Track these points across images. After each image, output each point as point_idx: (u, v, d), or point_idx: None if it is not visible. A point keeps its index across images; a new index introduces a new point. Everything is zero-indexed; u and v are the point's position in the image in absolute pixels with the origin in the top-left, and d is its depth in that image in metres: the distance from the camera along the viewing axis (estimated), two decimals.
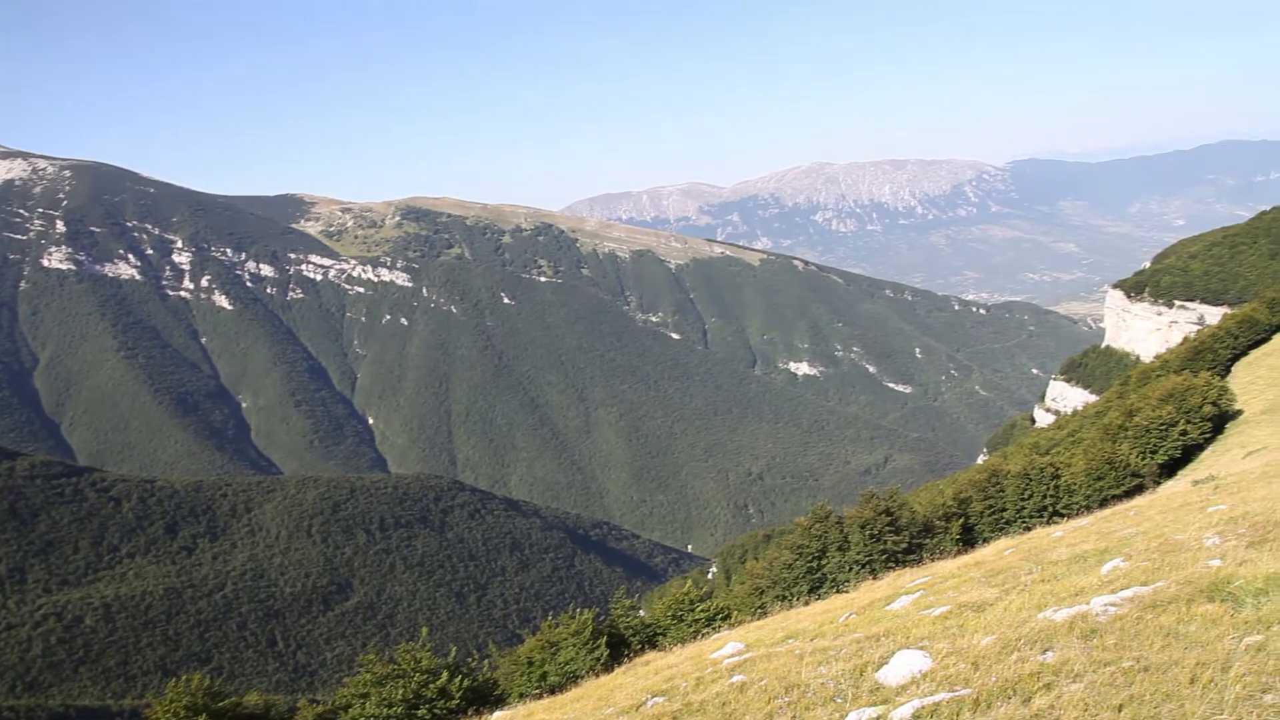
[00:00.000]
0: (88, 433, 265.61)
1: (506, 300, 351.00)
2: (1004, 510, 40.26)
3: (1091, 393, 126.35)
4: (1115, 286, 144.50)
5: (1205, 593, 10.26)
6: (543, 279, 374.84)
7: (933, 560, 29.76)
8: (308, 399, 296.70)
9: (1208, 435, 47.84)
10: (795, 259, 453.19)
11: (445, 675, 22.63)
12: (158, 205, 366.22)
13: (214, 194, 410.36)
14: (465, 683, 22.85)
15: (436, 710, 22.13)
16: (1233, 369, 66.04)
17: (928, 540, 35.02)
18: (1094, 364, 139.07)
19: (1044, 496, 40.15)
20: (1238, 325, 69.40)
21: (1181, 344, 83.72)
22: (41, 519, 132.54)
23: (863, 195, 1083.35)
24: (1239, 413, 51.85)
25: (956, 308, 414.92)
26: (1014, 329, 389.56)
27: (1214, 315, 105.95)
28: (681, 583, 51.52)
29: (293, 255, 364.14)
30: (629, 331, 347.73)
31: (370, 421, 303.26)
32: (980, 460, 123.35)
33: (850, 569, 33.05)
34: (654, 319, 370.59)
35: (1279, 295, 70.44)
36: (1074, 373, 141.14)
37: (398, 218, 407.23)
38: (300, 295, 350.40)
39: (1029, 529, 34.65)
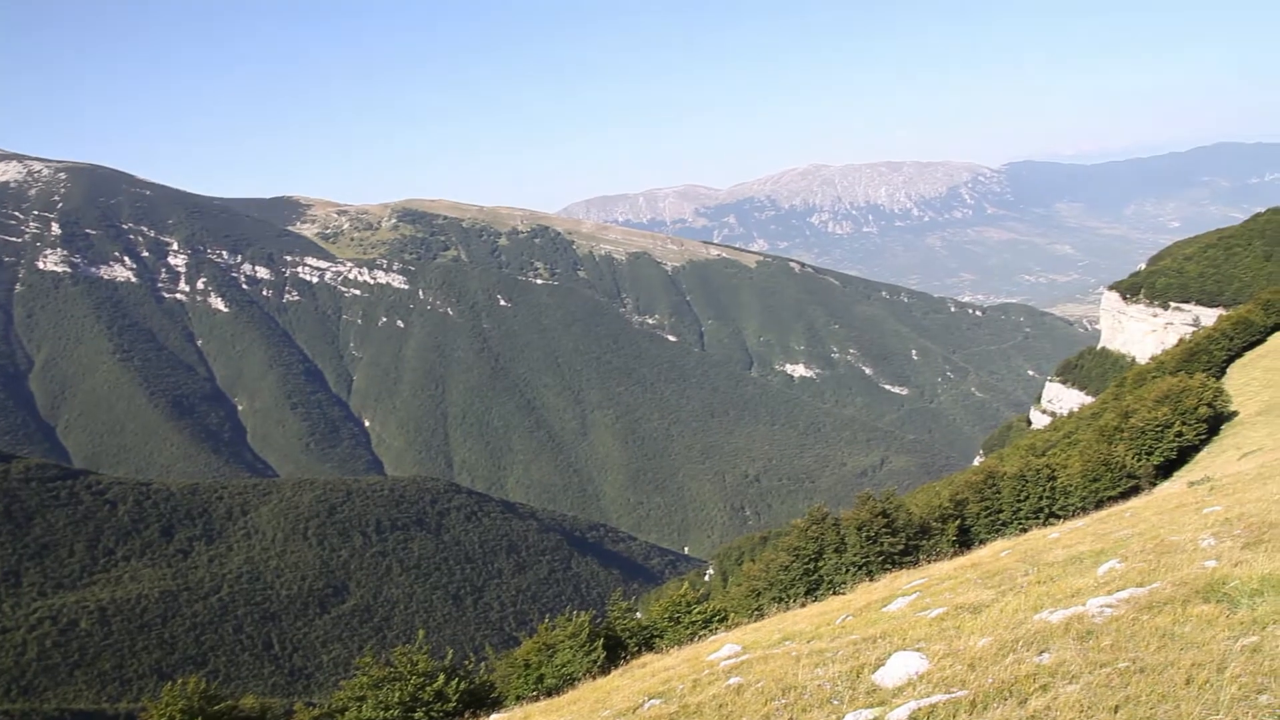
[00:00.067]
0: (83, 435, 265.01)
1: (503, 302, 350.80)
2: (1000, 512, 40.30)
3: (1087, 394, 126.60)
4: (1111, 288, 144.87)
5: (1201, 594, 10.28)
6: (539, 281, 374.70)
7: (929, 562, 29.77)
8: (304, 401, 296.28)
9: (1203, 437, 47.93)
10: (791, 261, 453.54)
11: (442, 678, 22.60)
12: (153, 207, 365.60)
13: (210, 196, 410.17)
14: (462, 685, 22.82)
15: (433, 713, 22.10)
16: (1228, 370, 66.17)
17: (924, 542, 35.05)
18: (1090, 366, 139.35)
19: (1040, 498, 40.20)
20: (1233, 327, 69.55)
21: (1177, 345, 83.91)
22: (37, 522, 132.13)
23: (859, 197, 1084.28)
24: (1234, 414, 51.95)
25: (953, 309, 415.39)
26: (1010, 331, 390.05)
27: (1209, 317, 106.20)
28: (678, 585, 51.53)
29: (289, 257, 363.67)
30: (625, 334, 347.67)
31: (366, 424, 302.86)
32: (976, 462, 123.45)
33: (847, 571, 33.06)
34: (650, 321, 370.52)
35: (1274, 297, 70.61)
36: (1070, 374, 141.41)
37: (394, 220, 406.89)
38: (296, 298, 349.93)
39: (1025, 530, 34.69)
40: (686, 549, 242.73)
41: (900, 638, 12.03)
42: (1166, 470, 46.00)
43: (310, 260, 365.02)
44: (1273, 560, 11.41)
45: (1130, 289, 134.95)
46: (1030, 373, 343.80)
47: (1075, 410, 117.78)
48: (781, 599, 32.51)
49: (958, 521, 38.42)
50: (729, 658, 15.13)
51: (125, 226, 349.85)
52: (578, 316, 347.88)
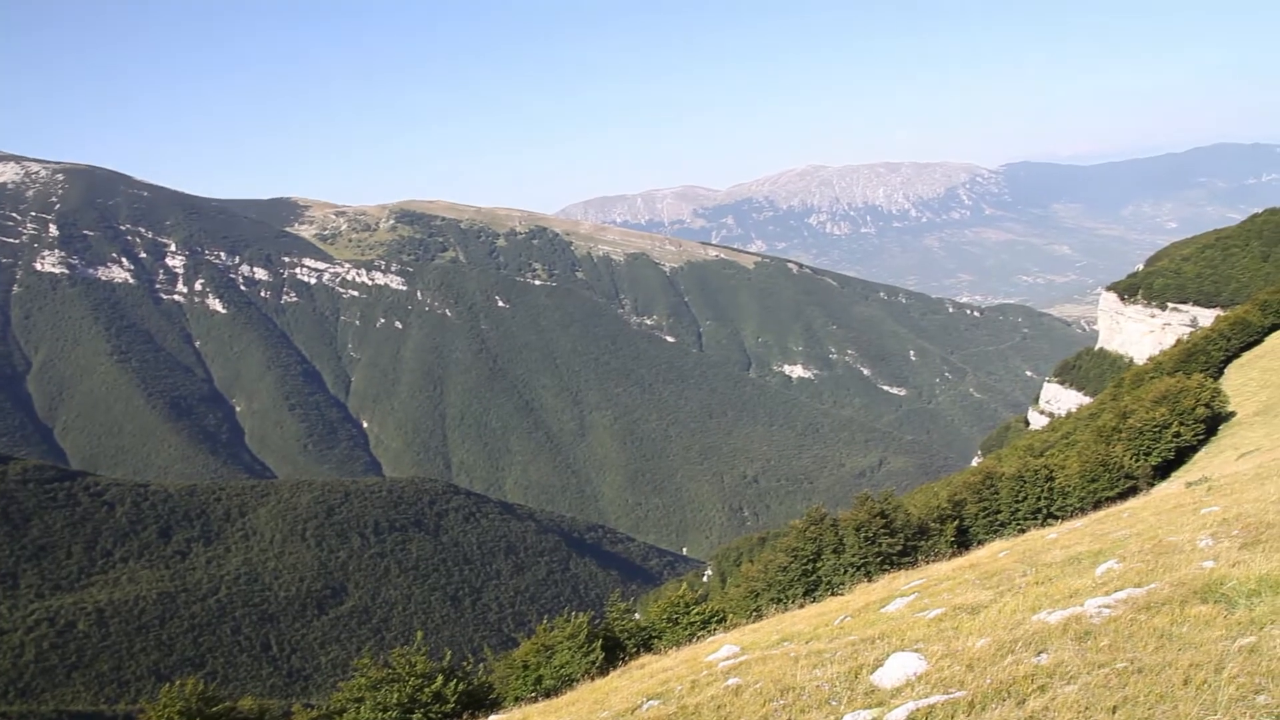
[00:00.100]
0: (81, 437, 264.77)
1: (501, 303, 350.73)
2: (998, 512, 40.33)
3: (1085, 395, 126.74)
4: (1109, 289, 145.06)
5: (1199, 594, 10.29)
6: (537, 282, 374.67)
7: (927, 562, 29.78)
8: (302, 403, 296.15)
9: (1201, 437, 47.98)
10: (790, 262, 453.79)
11: (440, 679, 22.59)
12: (151, 209, 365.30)
13: (207, 197, 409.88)
14: (460, 686, 22.81)
15: (431, 714, 22.08)
16: (1225, 371, 66.24)
17: (922, 542, 35.06)
18: (1087, 366, 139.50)
19: (1038, 499, 40.23)
20: (1230, 327, 69.62)
21: (1174, 346, 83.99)
22: (34, 524, 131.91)
23: (857, 198, 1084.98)
24: (1232, 414, 52.00)
25: (950, 310, 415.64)
26: (1008, 331, 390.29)
27: (1207, 317, 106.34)
28: (676, 586, 51.50)
29: (287, 259, 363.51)
30: (623, 334, 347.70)
31: (365, 425, 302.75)
32: (975, 463, 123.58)
33: (845, 571, 33.07)
34: (648, 322, 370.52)
35: (1271, 297, 70.68)
36: (1068, 375, 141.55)
37: (392, 221, 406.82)
38: (294, 299, 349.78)
39: (1023, 531, 34.70)
40: (685, 550, 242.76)
41: (898, 638, 12.03)
42: (1164, 471, 46.05)
43: (308, 261, 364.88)
44: (1270, 561, 11.42)
45: (1128, 290, 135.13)
46: (1028, 373, 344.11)
47: (1073, 411, 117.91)
48: (780, 600, 32.52)
49: (956, 522, 38.45)
50: (727, 659, 15.13)
51: (123, 228, 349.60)
52: (576, 317, 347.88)
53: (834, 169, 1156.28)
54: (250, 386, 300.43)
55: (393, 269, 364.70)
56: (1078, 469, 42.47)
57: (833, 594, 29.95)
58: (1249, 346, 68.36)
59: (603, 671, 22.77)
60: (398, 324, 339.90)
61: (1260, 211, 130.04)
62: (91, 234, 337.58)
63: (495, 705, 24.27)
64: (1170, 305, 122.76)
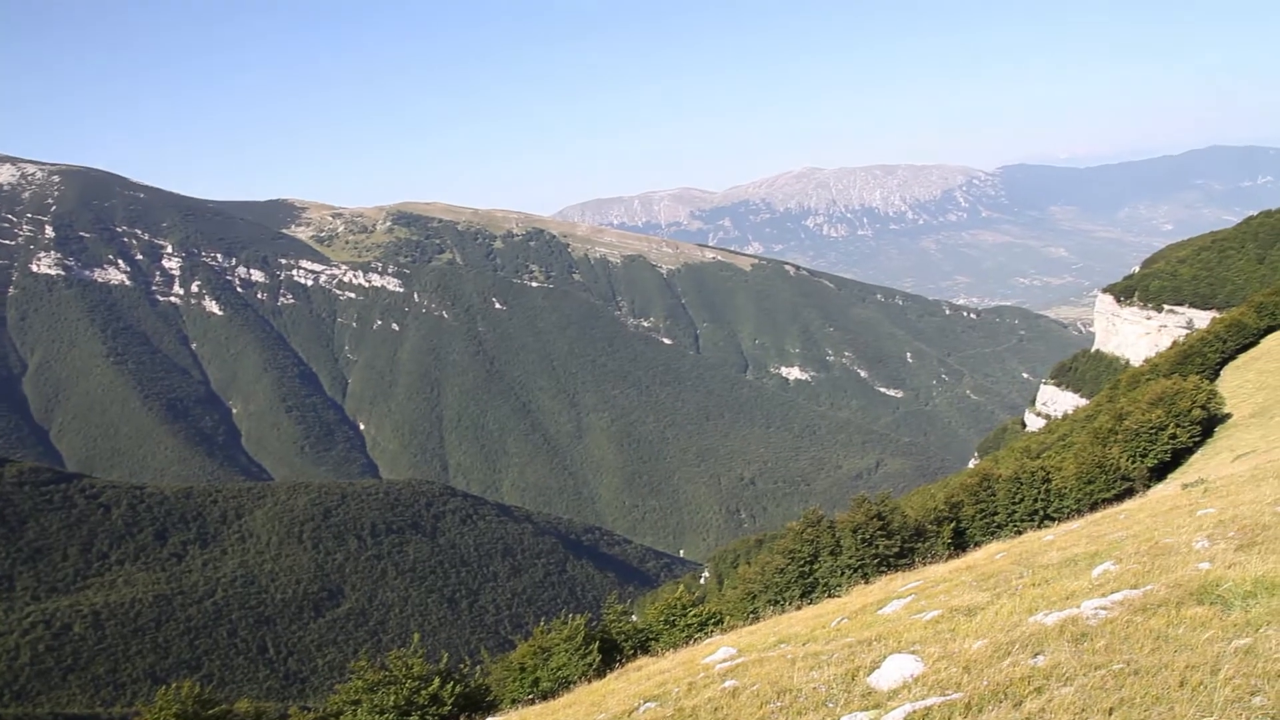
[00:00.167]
0: (77, 439, 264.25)
1: (498, 305, 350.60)
2: (995, 514, 40.35)
3: (1082, 397, 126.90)
4: (1105, 291, 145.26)
5: (1194, 596, 10.31)
6: (534, 284, 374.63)
7: (924, 564, 29.79)
8: (299, 404, 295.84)
9: (1197, 439, 48.02)
10: (786, 264, 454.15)
11: (437, 681, 22.56)
12: (147, 210, 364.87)
13: (204, 199, 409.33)
14: (457, 689, 22.78)
15: (428, 717, 22.05)
16: (1221, 373, 66.33)
17: (919, 544, 35.06)
18: (1084, 368, 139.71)
19: (1035, 500, 40.24)
20: (1226, 329, 69.74)
21: (1171, 348, 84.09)
22: (30, 526, 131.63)
23: (853, 200, 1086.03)
24: (1228, 416, 52.07)
25: (947, 312, 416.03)
26: (1004, 333, 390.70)
27: (1203, 319, 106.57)
28: (674, 588, 51.48)
29: (283, 260, 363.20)
30: (620, 337, 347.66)
31: (361, 427, 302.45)
32: (971, 464, 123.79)
33: (842, 573, 33.07)
34: (645, 324, 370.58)
35: (1267, 299, 70.81)
36: (1064, 377, 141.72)
37: (389, 223, 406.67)
38: (291, 300, 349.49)
39: (1020, 533, 34.74)
40: (682, 552, 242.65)
41: (895, 640, 12.04)
42: (1160, 472, 46.09)
43: (305, 263, 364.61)
44: (1266, 562, 11.44)
45: (1124, 292, 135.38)
46: (1025, 375, 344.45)
47: (1070, 413, 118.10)
48: (777, 602, 32.52)
49: (953, 524, 38.46)
50: (724, 661, 15.13)
51: (119, 229, 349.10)
52: (573, 319, 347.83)
53: (830, 171, 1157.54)
54: (247, 388, 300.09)
55: (389, 271, 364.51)
56: (1074, 471, 42.49)
57: (830, 596, 29.96)
58: (1245, 348, 68.48)
59: (600, 674, 22.77)
60: (394, 326, 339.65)
61: (1256, 214, 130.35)
62: (88, 236, 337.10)
63: (492, 707, 24.24)
64: (1166, 307, 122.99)
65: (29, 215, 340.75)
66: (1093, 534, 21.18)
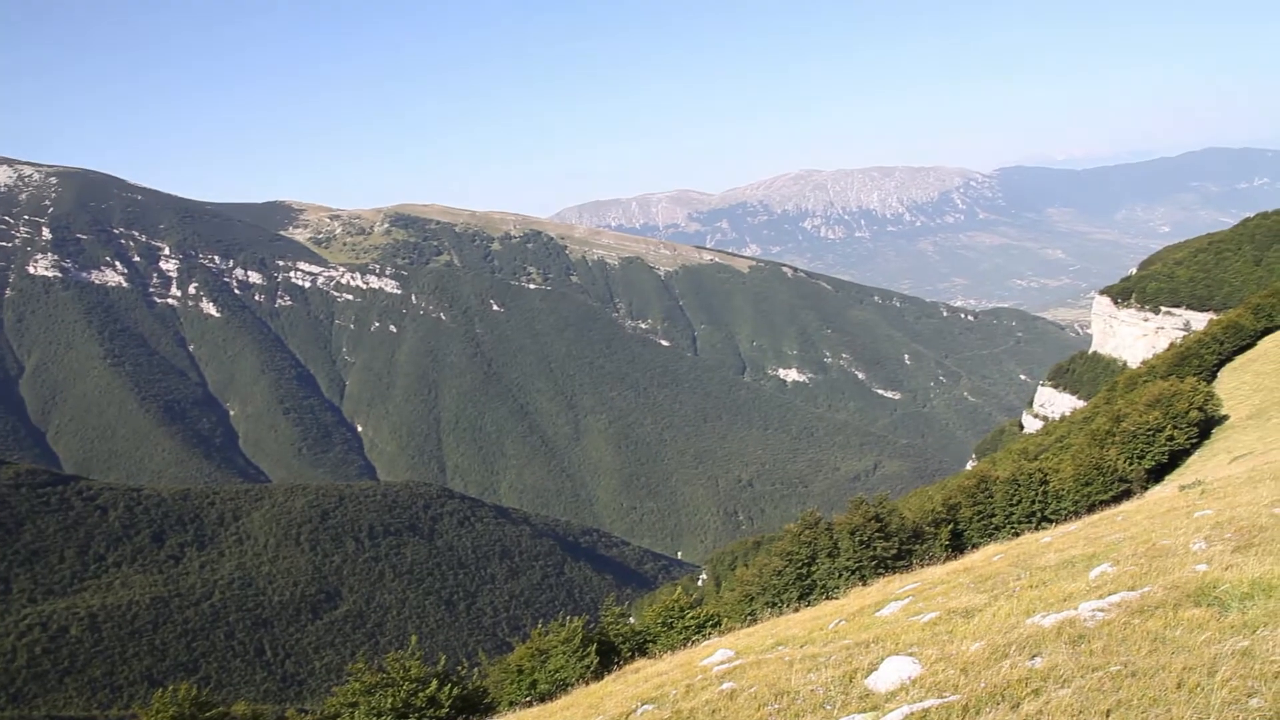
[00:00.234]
0: (74, 441, 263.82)
1: (496, 307, 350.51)
2: (993, 516, 40.35)
3: (1079, 399, 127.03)
4: (1102, 293, 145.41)
5: (1192, 597, 10.31)
6: (532, 286, 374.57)
7: (922, 566, 29.79)
8: (296, 406, 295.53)
9: (1194, 440, 48.06)
10: (784, 266, 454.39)
11: (435, 684, 22.53)
12: (145, 212, 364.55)
13: (201, 201, 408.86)
14: (455, 691, 22.74)
15: (426, 719, 22.02)
16: (1219, 374, 66.39)
17: (917, 546, 35.05)
18: (1081, 370, 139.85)
19: (1032, 502, 40.26)
20: (1223, 331, 69.81)
21: (1168, 350, 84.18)
22: (27, 528, 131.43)
23: (851, 202, 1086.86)
24: (1225, 418, 52.14)
25: (945, 314, 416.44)
26: (1002, 335, 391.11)
27: (1200, 321, 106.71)
28: (671, 590, 51.49)
29: (281, 262, 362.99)
30: (618, 338, 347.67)
31: (359, 429, 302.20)
32: (969, 466, 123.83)
33: (840, 575, 33.06)
34: (643, 326, 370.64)
35: (1263, 301, 70.90)
36: (1061, 379, 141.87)
37: (386, 225, 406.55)
38: (288, 302, 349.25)
39: (1018, 535, 34.73)
40: (680, 554, 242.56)
41: (893, 642, 12.03)
42: (1158, 474, 46.13)
43: (303, 265, 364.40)
44: (1263, 564, 11.45)
45: (1121, 293, 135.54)
46: (1022, 377, 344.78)
47: (1067, 414, 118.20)
48: (775, 604, 32.50)
49: (950, 526, 38.46)
50: (722, 663, 15.12)
51: (116, 231, 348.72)
52: (570, 321, 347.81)
53: (828, 173, 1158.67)
54: (244, 390, 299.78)
55: (387, 273, 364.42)
56: (1072, 472, 42.52)
57: (827, 598, 29.95)
58: (1242, 350, 68.56)
59: (597, 676, 22.74)
60: (392, 328, 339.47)
61: (1252, 215, 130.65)
62: (85, 237, 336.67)
63: (490, 710, 24.21)
64: (1163, 309, 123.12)
65: (26, 217, 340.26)
66: (1090, 536, 21.18)
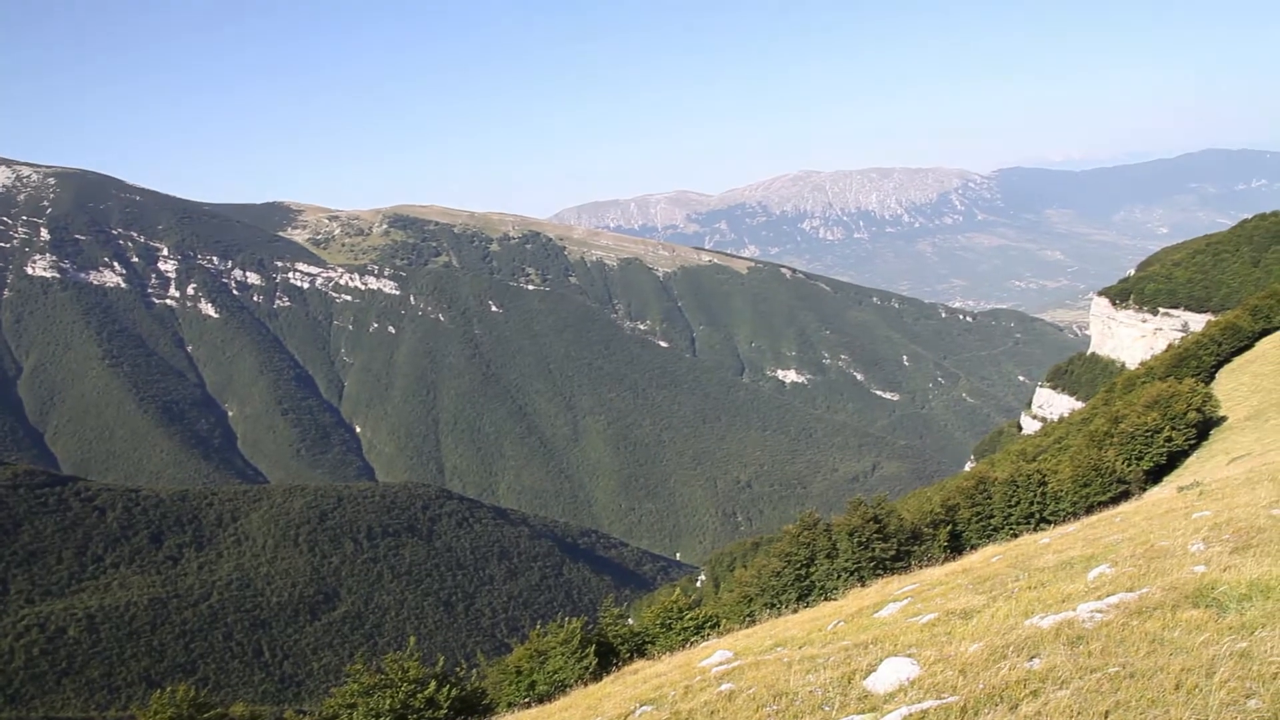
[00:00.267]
0: (72, 441, 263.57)
1: (494, 308, 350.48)
2: (991, 517, 40.37)
3: (1078, 400, 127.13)
4: (1100, 294, 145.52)
5: (1190, 598, 10.32)
6: (530, 287, 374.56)
7: (920, 567, 29.78)
8: (294, 407, 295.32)
9: (1192, 442, 48.10)
10: (783, 267, 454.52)
11: (433, 685, 22.51)
12: (143, 213, 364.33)
13: (200, 202, 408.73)
14: (453, 692, 22.73)
15: None
16: (1217, 376, 66.45)
17: (916, 547, 35.05)
18: (1080, 371, 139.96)
19: (1031, 503, 40.27)
20: (1221, 332, 69.89)
21: (1166, 351, 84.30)
22: (25, 529, 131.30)
23: (850, 203, 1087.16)
24: (1223, 419, 52.18)
25: (943, 315, 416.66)
26: (1000, 336, 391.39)
27: (1198, 322, 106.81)
28: (670, 591, 51.47)
29: (279, 263, 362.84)
30: (617, 339, 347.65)
31: (357, 430, 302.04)
32: (968, 467, 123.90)
33: (838, 576, 33.05)
34: (642, 327, 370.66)
35: (1261, 302, 71.00)
36: (1060, 380, 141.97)
37: (385, 226, 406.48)
38: (287, 303, 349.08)
39: (1016, 536, 34.73)
40: (678, 555, 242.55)
41: (892, 643, 12.04)
42: (1156, 475, 46.16)
43: (301, 266, 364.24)
44: (1261, 565, 11.46)
45: (1120, 295, 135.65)
46: (1021, 378, 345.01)
47: (1065, 416, 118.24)
48: (773, 605, 32.48)
49: (949, 527, 38.47)
50: (721, 664, 15.12)
51: (115, 232, 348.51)
52: (569, 322, 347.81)
53: (827, 174, 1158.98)
54: (243, 391, 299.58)
55: (386, 274, 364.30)
56: (1070, 474, 42.54)
57: (826, 599, 29.94)
58: (1240, 351, 68.63)
59: (596, 677, 22.72)
60: (391, 329, 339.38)
61: (1250, 217, 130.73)
62: (83, 238, 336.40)
63: (488, 711, 24.21)
64: (1162, 310, 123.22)
65: (24, 217, 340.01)
66: (1089, 537, 21.18)
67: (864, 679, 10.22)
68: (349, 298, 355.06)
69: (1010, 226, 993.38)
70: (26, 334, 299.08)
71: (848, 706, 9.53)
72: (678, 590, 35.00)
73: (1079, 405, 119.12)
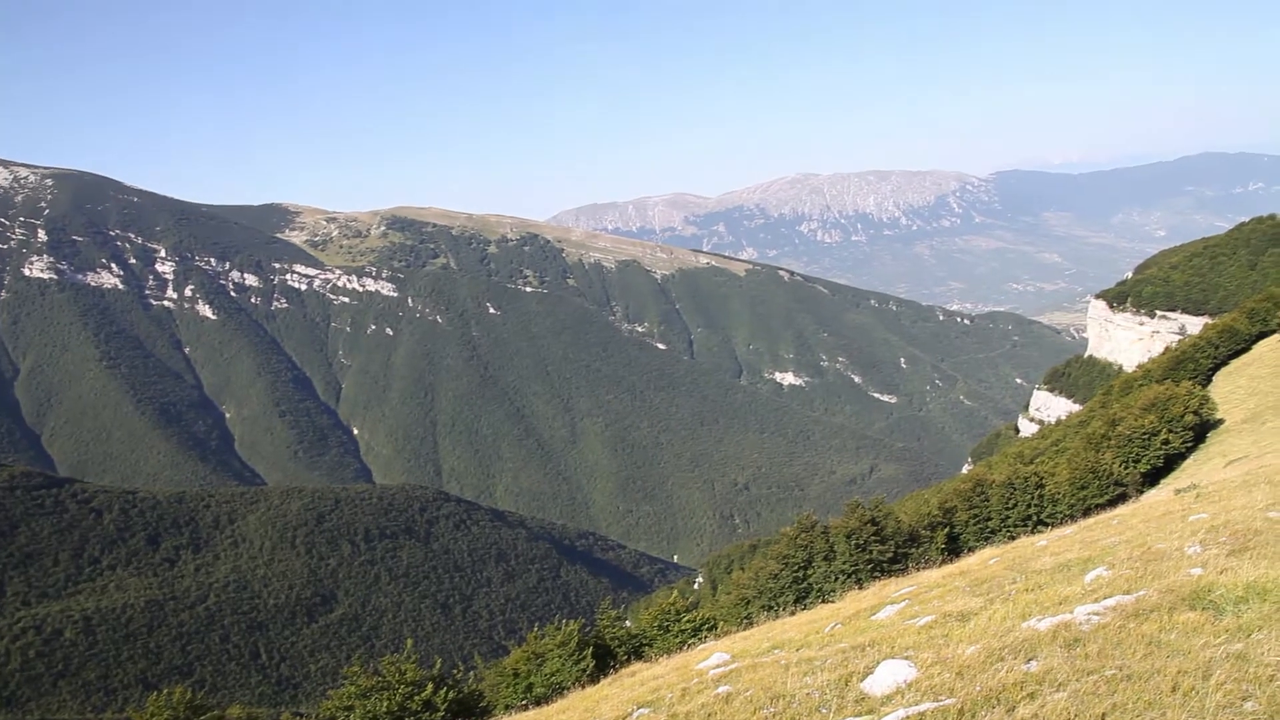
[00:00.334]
0: (69, 443, 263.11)
1: (492, 310, 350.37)
2: (989, 519, 40.40)
3: (1075, 402, 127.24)
4: (1098, 297, 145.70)
5: (1187, 601, 10.33)
6: (528, 289, 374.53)
7: (918, 570, 29.78)
8: (292, 409, 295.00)
9: (1189, 444, 48.17)
10: (781, 269, 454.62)
11: (430, 687, 22.49)
12: (141, 214, 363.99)
13: (198, 203, 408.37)
14: (450, 694, 22.71)
15: None
16: (1214, 378, 66.55)
17: (913, 550, 35.08)
18: (1077, 374, 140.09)
19: (1028, 506, 40.32)
20: (1218, 335, 69.99)
21: (1163, 354, 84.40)
22: (21, 531, 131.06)
23: (847, 206, 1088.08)
24: (1220, 422, 52.24)
25: (941, 318, 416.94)
26: (998, 339, 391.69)
27: (1195, 325, 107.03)
28: (667, 593, 51.45)
29: (277, 265, 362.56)
30: (615, 341, 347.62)
31: (355, 432, 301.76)
32: (965, 470, 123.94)
33: (836, 579, 33.07)
34: (640, 329, 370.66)
35: (1259, 305, 71.10)
36: (1057, 382, 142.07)
37: (383, 227, 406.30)
38: (285, 305, 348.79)
39: (1013, 538, 34.75)
40: (676, 557, 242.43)
41: (889, 646, 12.04)
42: (1153, 478, 46.20)
43: (299, 267, 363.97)
44: (1258, 567, 11.47)
45: (1117, 297, 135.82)
46: (1018, 381, 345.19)
47: (1063, 418, 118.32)
48: (771, 607, 32.48)
49: (946, 529, 38.50)
50: (718, 666, 15.11)
51: (112, 233, 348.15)
52: (567, 324, 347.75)
53: (825, 177, 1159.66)
54: (240, 393, 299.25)
55: (384, 275, 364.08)
56: (1067, 476, 42.58)
57: (824, 601, 29.95)
58: (1237, 354, 68.74)
59: (593, 679, 22.71)
60: (388, 330, 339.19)
61: (1247, 220, 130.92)
62: (81, 239, 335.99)
63: (485, 713, 24.19)
64: (1159, 313, 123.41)
65: (21, 219, 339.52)
66: (1086, 539, 21.19)
67: (861, 681, 10.22)
68: (347, 299, 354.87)
69: (1008, 229, 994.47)
70: (24, 335, 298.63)
71: (845, 709, 9.53)
72: (675, 592, 35.00)
73: (1076, 408, 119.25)
